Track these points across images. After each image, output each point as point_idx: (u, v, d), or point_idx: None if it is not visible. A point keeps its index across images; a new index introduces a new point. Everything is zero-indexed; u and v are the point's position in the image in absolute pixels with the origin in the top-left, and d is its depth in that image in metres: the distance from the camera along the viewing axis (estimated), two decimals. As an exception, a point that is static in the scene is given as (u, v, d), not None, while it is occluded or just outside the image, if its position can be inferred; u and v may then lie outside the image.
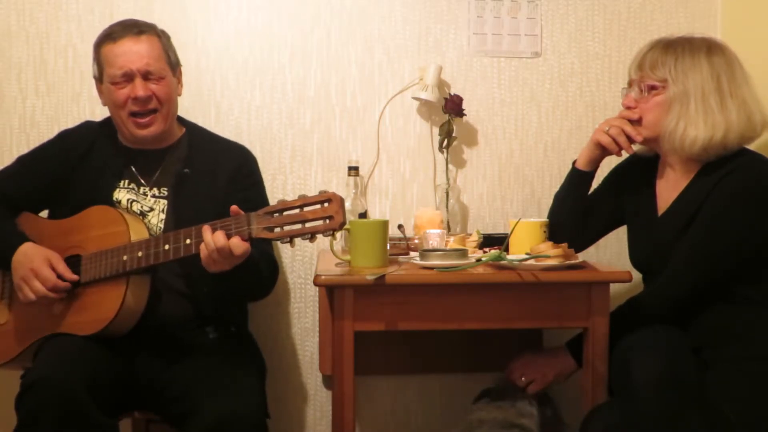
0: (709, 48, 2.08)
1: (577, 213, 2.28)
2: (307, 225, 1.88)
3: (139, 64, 2.16)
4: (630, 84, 2.15)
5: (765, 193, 2.00)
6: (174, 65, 2.26)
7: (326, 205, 1.87)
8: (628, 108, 2.14)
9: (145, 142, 2.24)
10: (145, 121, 2.19)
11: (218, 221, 1.95)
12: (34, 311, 2.15)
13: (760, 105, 2.07)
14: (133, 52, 2.17)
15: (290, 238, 1.90)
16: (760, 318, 2.01)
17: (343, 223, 1.88)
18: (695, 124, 2.03)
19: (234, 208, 1.95)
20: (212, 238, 1.92)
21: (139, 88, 2.16)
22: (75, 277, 2.09)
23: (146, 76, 2.17)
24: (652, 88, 2.09)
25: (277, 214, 1.91)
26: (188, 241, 1.98)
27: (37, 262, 2.08)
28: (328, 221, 1.87)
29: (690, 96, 2.04)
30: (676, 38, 2.12)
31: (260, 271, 2.18)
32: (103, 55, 2.20)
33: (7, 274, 2.23)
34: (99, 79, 2.24)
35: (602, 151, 2.22)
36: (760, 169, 2.03)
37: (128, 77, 2.17)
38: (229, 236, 1.92)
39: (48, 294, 2.07)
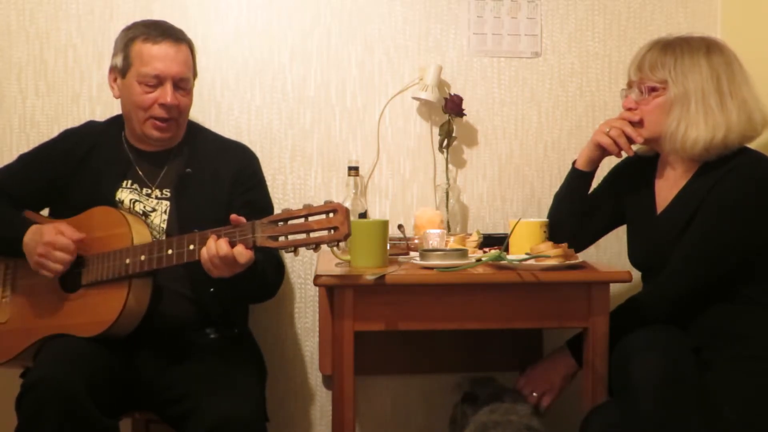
0: (708, 48, 2.08)
1: (576, 213, 2.28)
2: (312, 235, 1.88)
3: (174, 71, 2.17)
4: (629, 85, 2.15)
5: (765, 193, 2.00)
6: (195, 76, 2.29)
7: (331, 215, 1.87)
8: (629, 109, 2.14)
9: (153, 143, 2.23)
10: (165, 126, 2.20)
11: (222, 228, 1.95)
12: (35, 310, 2.15)
13: (760, 104, 2.07)
14: (170, 58, 2.17)
15: (294, 248, 1.90)
16: (760, 318, 2.01)
17: (348, 235, 1.87)
18: (696, 124, 2.03)
19: (234, 216, 1.95)
20: (215, 244, 1.91)
21: (169, 95, 2.16)
22: (81, 235, 2.09)
23: (177, 84, 2.18)
24: (653, 89, 2.09)
25: (281, 223, 1.90)
26: (191, 247, 1.98)
27: (49, 236, 2.08)
28: (332, 232, 1.86)
29: (690, 97, 2.04)
30: (674, 38, 2.12)
31: (266, 276, 2.19)
32: (135, 51, 2.18)
33: (8, 273, 2.23)
34: (121, 73, 2.21)
35: (602, 152, 2.22)
36: (760, 167, 2.03)
37: (159, 81, 2.17)
38: (233, 244, 1.92)
39: (73, 260, 2.07)
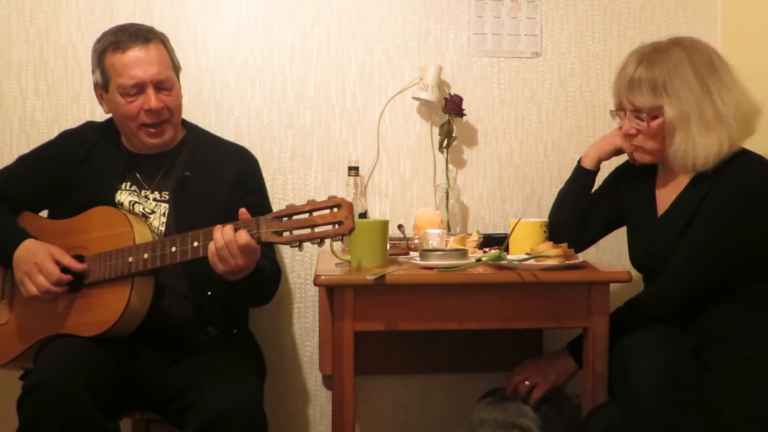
0: (688, 55, 2.05)
1: (579, 212, 2.29)
2: (317, 230, 1.87)
3: (150, 73, 2.14)
4: (620, 108, 2.13)
5: (762, 193, 2.00)
6: (178, 70, 2.25)
7: (336, 210, 1.86)
8: (629, 135, 2.13)
9: (152, 148, 2.23)
10: (157, 131, 2.19)
11: (227, 224, 1.94)
12: (35, 311, 2.14)
13: (749, 98, 2.06)
14: (143, 62, 2.13)
15: (299, 243, 1.90)
16: (760, 318, 2.01)
17: (353, 229, 1.86)
18: (701, 143, 2.02)
19: (243, 211, 1.95)
20: (235, 234, 1.90)
21: (153, 100, 2.14)
22: (83, 266, 2.08)
23: (158, 86, 2.15)
24: (650, 116, 2.07)
25: (286, 219, 1.90)
26: (195, 244, 1.97)
27: (40, 257, 2.07)
28: (337, 226, 1.86)
29: (689, 117, 2.03)
30: (653, 55, 2.07)
31: (270, 283, 2.20)
32: (108, 64, 2.16)
33: (8, 273, 2.23)
34: (104, 88, 2.20)
35: (614, 154, 2.24)
36: (759, 169, 2.03)
37: (140, 88, 2.14)
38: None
39: (51, 288, 2.06)
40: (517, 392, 2.20)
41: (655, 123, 2.07)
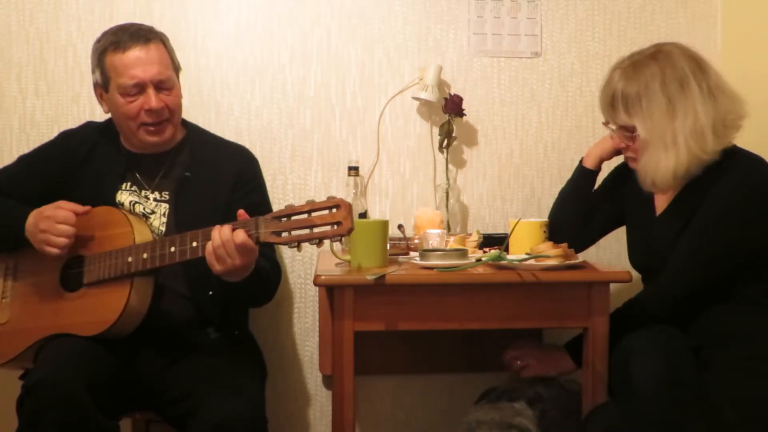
0: (662, 72, 2.03)
1: (580, 212, 2.29)
2: (315, 230, 1.87)
3: (151, 73, 2.14)
4: (608, 121, 2.15)
5: (761, 194, 2.00)
6: (178, 70, 2.25)
7: (334, 210, 1.86)
8: (621, 147, 2.14)
9: (151, 147, 2.23)
10: (157, 128, 2.19)
11: (226, 224, 1.94)
12: (35, 311, 2.14)
13: (720, 110, 2.03)
14: (144, 62, 2.14)
15: (298, 243, 1.90)
16: (760, 318, 2.01)
17: (351, 230, 1.86)
18: (663, 163, 2.02)
19: (241, 212, 1.95)
20: (233, 233, 1.90)
21: (153, 100, 2.14)
22: (87, 208, 2.09)
23: (158, 86, 2.16)
24: (632, 132, 2.08)
25: (284, 219, 1.90)
26: (194, 244, 1.97)
27: (50, 211, 2.08)
28: (336, 227, 1.86)
29: (654, 137, 2.03)
30: (630, 72, 2.06)
31: (269, 282, 2.20)
32: (108, 64, 2.16)
33: (8, 273, 2.23)
34: (104, 87, 2.20)
35: (615, 153, 2.25)
36: (758, 169, 2.03)
37: (140, 88, 2.14)
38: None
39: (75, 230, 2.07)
40: (508, 366, 2.22)
41: (633, 138, 2.07)
